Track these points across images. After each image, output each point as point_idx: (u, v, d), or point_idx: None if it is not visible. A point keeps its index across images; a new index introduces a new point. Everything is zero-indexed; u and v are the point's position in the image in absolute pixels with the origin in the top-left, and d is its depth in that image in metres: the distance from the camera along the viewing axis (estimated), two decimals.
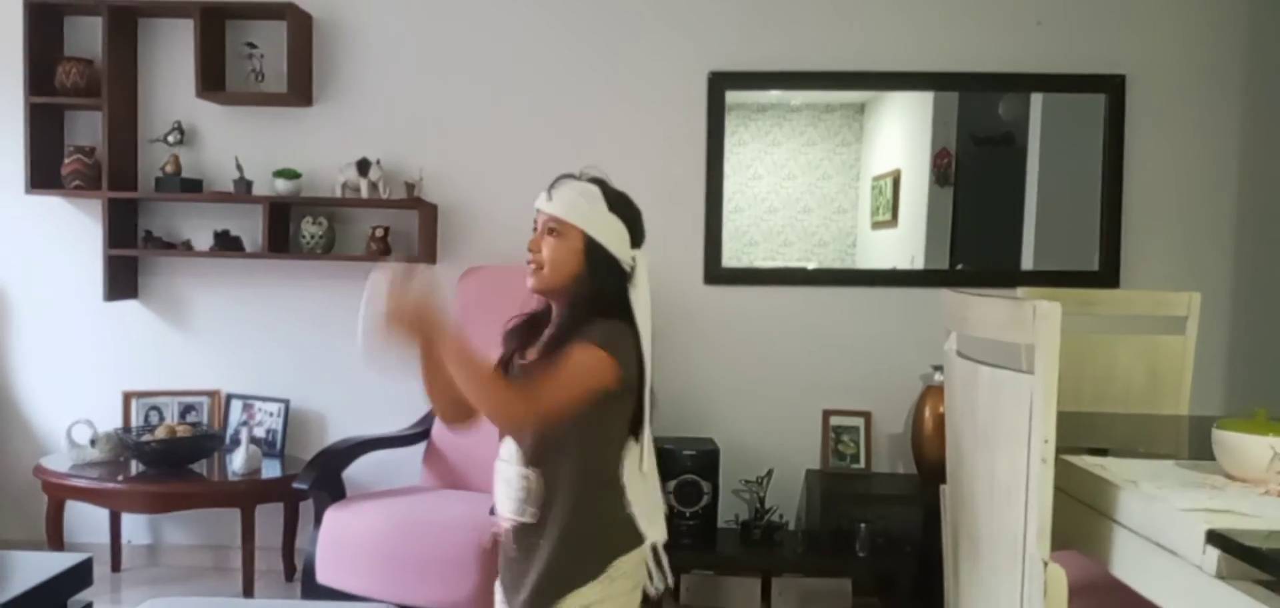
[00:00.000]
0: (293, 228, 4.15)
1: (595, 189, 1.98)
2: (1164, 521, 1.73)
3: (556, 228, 1.94)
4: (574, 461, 1.92)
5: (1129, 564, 1.86)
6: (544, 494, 1.92)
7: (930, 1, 4.07)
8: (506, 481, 1.97)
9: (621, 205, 1.99)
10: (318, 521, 3.41)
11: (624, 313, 1.93)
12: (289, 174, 4.07)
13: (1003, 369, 2.03)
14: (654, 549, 1.99)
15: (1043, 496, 1.89)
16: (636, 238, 1.99)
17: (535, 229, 1.98)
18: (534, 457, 1.93)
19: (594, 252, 1.94)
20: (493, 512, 3.21)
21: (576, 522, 1.92)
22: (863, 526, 3.73)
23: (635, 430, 1.98)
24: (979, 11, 4.07)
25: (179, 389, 4.22)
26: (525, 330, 2.03)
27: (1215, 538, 1.57)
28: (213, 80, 4.07)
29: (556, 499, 1.92)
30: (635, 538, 1.96)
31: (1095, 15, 4.05)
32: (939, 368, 3.78)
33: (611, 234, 1.95)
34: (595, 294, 1.93)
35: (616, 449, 1.96)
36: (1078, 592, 2.04)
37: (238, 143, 4.16)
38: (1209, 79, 4.05)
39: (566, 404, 1.84)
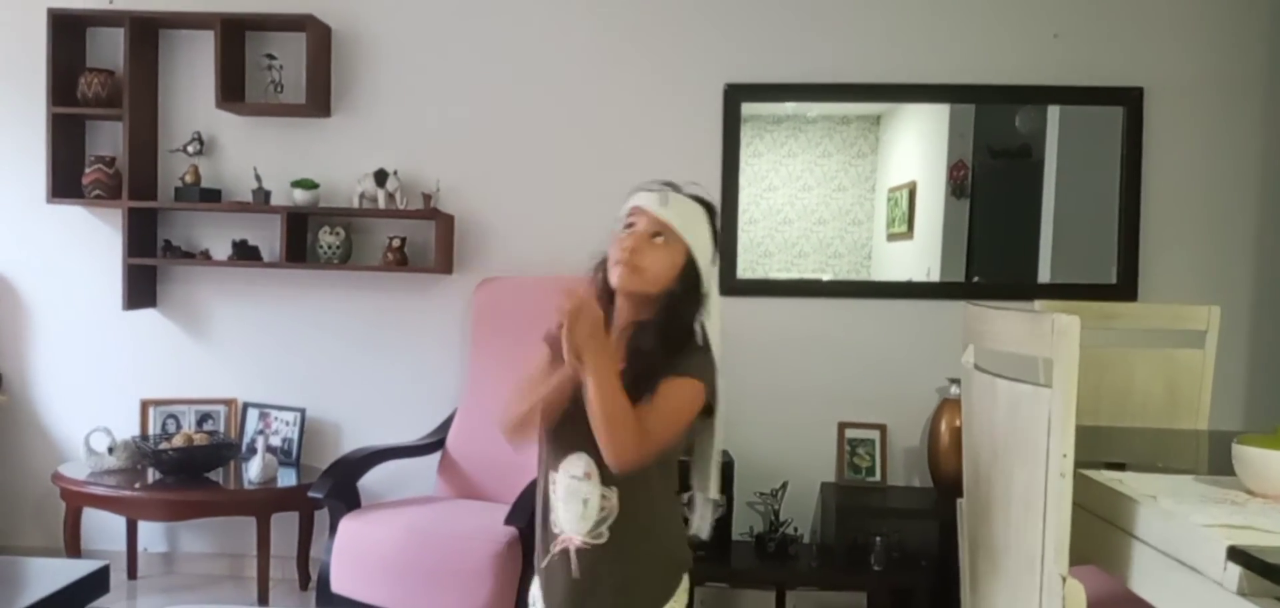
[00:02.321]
0: (310, 238, 4.18)
1: (702, 210, 1.95)
2: (1184, 536, 1.71)
3: (664, 236, 1.89)
4: (651, 484, 1.89)
5: (1148, 581, 1.85)
6: (621, 518, 1.87)
7: (947, 14, 4.07)
8: (581, 499, 1.88)
9: (717, 233, 1.98)
10: (333, 530, 3.42)
11: (701, 338, 1.92)
12: (307, 184, 4.09)
13: (1021, 383, 2.02)
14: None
15: (1061, 510, 1.87)
16: (715, 262, 1.98)
17: (628, 226, 1.92)
18: (614, 477, 1.85)
19: (691, 272, 1.91)
20: (508, 520, 3.23)
21: (651, 545, 1.91)
22: (878, 539, 3.72)
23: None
24: (996, 24, 4.06)
25: (196, 398, 4.24)
26: None
27: (1236, 555, 1.56)
28: (232, 91, 4.10)
29: (631, 522, 1.88)
30: (690, 557, 1.99)
31: (1113, 28, 4.03)
32: (955, 381, 3.77)
33: (707, 257, 1.94)
34: (680, 314, 1.90)
35: (677, 472, 1.97)
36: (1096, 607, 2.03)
37: (256, 153, 4.19)
38: (1228, 92, 4.03)
39: (673, 440, 1.85)
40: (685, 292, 1.91)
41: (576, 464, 1.88)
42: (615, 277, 1.90)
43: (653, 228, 1.90)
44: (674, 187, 1.96)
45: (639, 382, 1.83)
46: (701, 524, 2.04)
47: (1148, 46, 4.03)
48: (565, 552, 1.89)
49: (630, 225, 1.92)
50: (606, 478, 1.86)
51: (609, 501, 1.87)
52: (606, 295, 1.96)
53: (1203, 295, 3.76)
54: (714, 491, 2.04)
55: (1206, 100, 4.03)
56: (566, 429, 1.91)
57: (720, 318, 1.96)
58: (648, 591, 1.92)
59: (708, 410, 1.91)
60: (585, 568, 1.88)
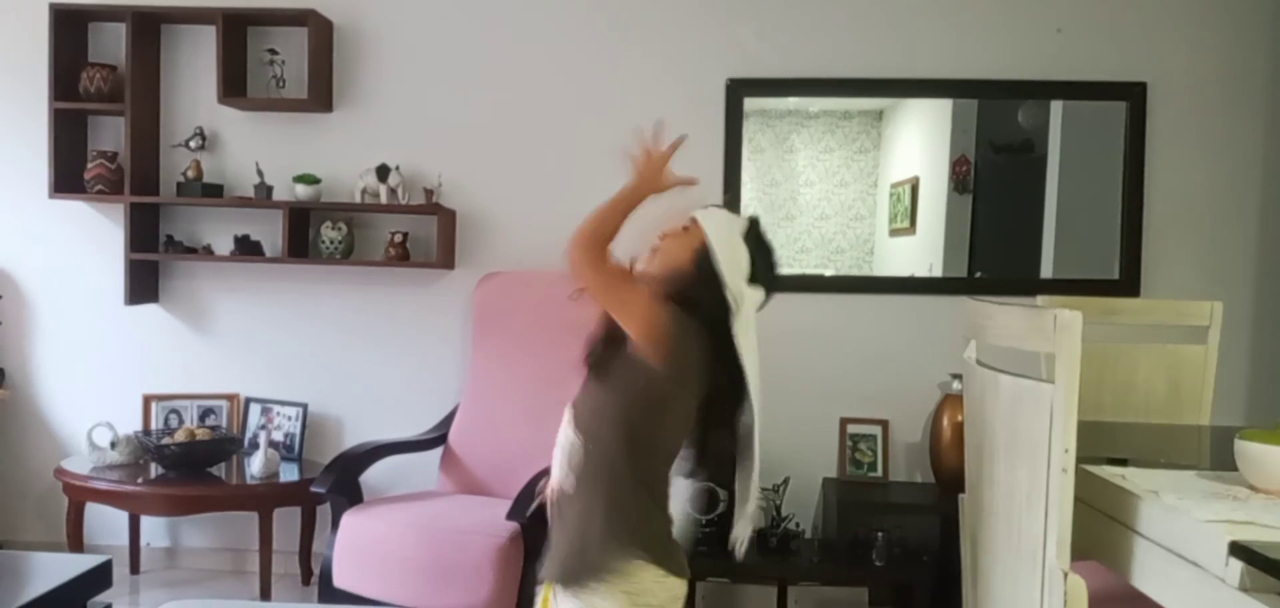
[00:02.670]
0: (312, 233, 4.18)
1: (738, 218, 2.02)
2: (1186, 532, 1.71)
3: (688, 226, 1.99)
4: (618, 442, 1.89)
5: (1150, 576, 1.85)
6: (584, 466, 1.91)
7: (950, 8, 4.06)
8: (559, 444, 1.97)
9: (756, 243, 1.99)
10: (335, 524, 3.43)
11: (715, 332, 1.94)
12: (309, 179, 4.09)
13: (1023, 378, 2.02)
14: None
15: (1063, 506, 1.88)
16: (757, 278, 1.98)
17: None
18: (581, 423, 1.94)
19: (705, 259, 1.93)
20: (510, 516, 3.23)
21: (605, 506, 1.89)
22: (880, 535, 3.71)
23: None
24: (999, 19, 4.05)
25: (198, 393, 4.24)
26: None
27: (1238, 550, 1.56)
28: (234, 86, 4.10)
29: (591, 473, 1.90)
30: (671, 562, 1.92)
31: (1116, 23, 4.03)
32: (957, 377, 3.76)
33: (732, 257, 1.94)
34: (692, 298, 1.92)
35: (664, 460, 1.96)
36: (1098, 603, 2.03)
37: (258, 148, 4.19)
38: (1231, 87, 4.02)
39: (610, 296, 1.90)
40: (700, 276, 1.93)
41: (567, 413, 1.98)
42: (640, 263, 2.01)
43: (684, 221, 1.99)
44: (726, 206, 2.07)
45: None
46: (742, 533, 2.07)
47: (1151, 42, 4.02)
48: (555, 503, 1.99)
49: None
50: (577, 424, 1.94)
51: (575, 447, 1.93)
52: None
53: (1205, 291, 3.74)
54: (753, 505, 2.07)
55: (1210, 96, 4.02)
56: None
57: (755, 335, 1.98)
58: (594, 553, 1.88)
59: (675, 378, 1.90)
60: (557, 514, 1.97)
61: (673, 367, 1.87)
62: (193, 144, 4.16)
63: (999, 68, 4.03)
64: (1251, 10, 4.01)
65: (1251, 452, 1.88)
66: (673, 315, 1.89)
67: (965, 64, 4.04)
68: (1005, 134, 4.13)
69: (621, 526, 1.89)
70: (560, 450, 1.97)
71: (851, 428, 4.03)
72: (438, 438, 3.93)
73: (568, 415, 1.98)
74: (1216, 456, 2.35)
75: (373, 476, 3.80)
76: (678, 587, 1.92)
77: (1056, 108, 4.07)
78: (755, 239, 1.99)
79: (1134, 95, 4.01)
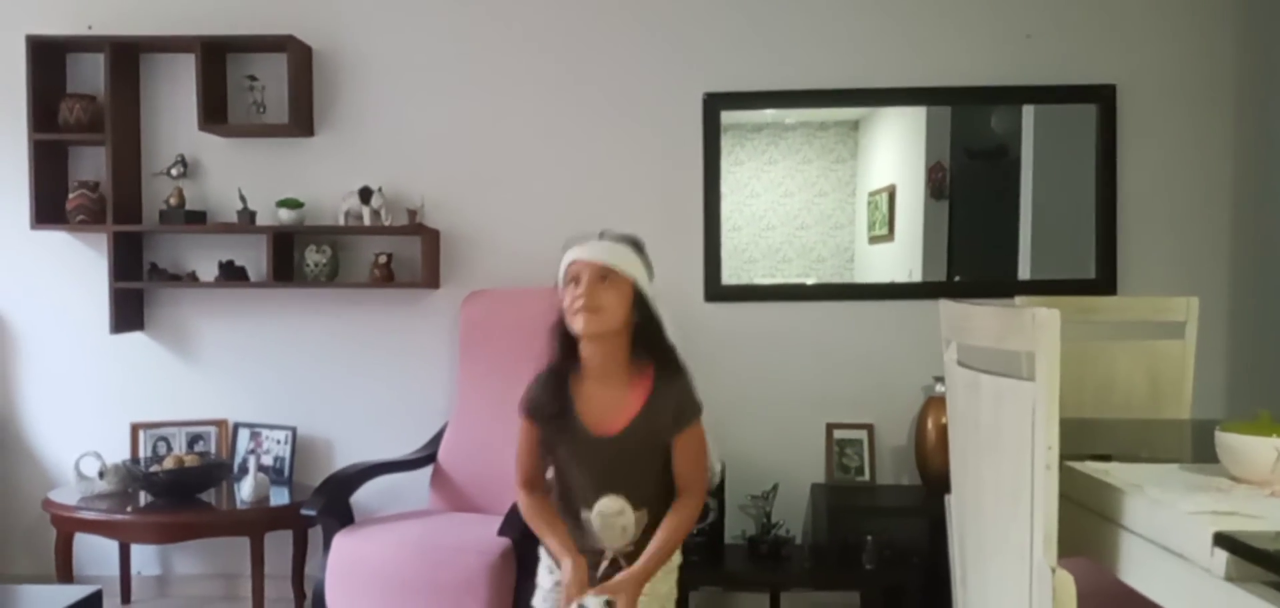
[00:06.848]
0: (297, 257, 4.18)
1: (632, 246, 2.29)
2: (1170, 524, 1.74)
3: (610, 276, 2.21)
4: (668, 499, 2.34)
5: (1137, 569, 1.88)
6: (647, 525, 2.31)
7: (921, 17, 4.12)
8: (621, 528, 2.27)
9: (643, 251, 2.31)
10: (327, 546, 3.43)
11: (666, 347, 2.30)
12: (292, 204, 4.10)
13: (1004, 377, 2.05)
14: None
15: (1048, 503, 1.90)
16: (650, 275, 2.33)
17: (576, 281, 2.21)
18: (643, 503, 2.30)
19: (642, 302, 2.26)
20: (502, 531, 3.24)
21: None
22: (869, 538, 3.75)
23: None
24: (970, 26, 4.11)
25: (186, 419, 4.24)
26: (555, 387, 2.29)
27: (1223, 540, 1.58)
28: (215, 113, 4.11)
29: (654, 524, 2.31)
30: None
31: (1084, 27, 4.10)
32: (940, 379, 3.81)
33: (645, 277, 2.28)
34: (657, 341, 2.27)
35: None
36: (1087, 598, 2.06)
37: (241, 174, 4.20)
38: (1199, 86, 4.09)
39: (707, 470, 2.34)
40: (646, 320, 2.26)
41: (611, 503, 2.24)
42: (578, 324, 2.20)
43: (598, 272, 2.21)
44: (602, 234, 2.30)
45: (657, 423, 2.26)
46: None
47: (1119, 44, 4.09)
48: (614, 563, 2.27)
49: (575, 279, 2.22)
50: (637, 504, 2.27)
51: (642, 517, 2.29)
52: (568, 349, 2.27)
53: (1180, 287, 3.81)
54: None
55: (1178, 95, 4.09)
56: (601, 478, 2.27)
57: (671, 321, 2.33)
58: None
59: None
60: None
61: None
62: (174, 171, 4.16)
63: (971, 74, 4.10)
64: (1216, 10, 4.09)
65: (1232, 443, 1.91)
66: (687, 390, 2.37)
67: (938, 72, 4.10)
68: (979, 139, 4.19)
69: None
70: (618, 532, 2.27)
71: (838, 433, 4.06)
72: (427, 457, 3.94)
73: (618, 506, 2.25)
74: (1198, 448, 2.38)
75: (363, 496, 3.80)
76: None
77: (1028, 112, 4.13)
78: (640, 249, 2.35)
79: (1103, 97, 4.08)
